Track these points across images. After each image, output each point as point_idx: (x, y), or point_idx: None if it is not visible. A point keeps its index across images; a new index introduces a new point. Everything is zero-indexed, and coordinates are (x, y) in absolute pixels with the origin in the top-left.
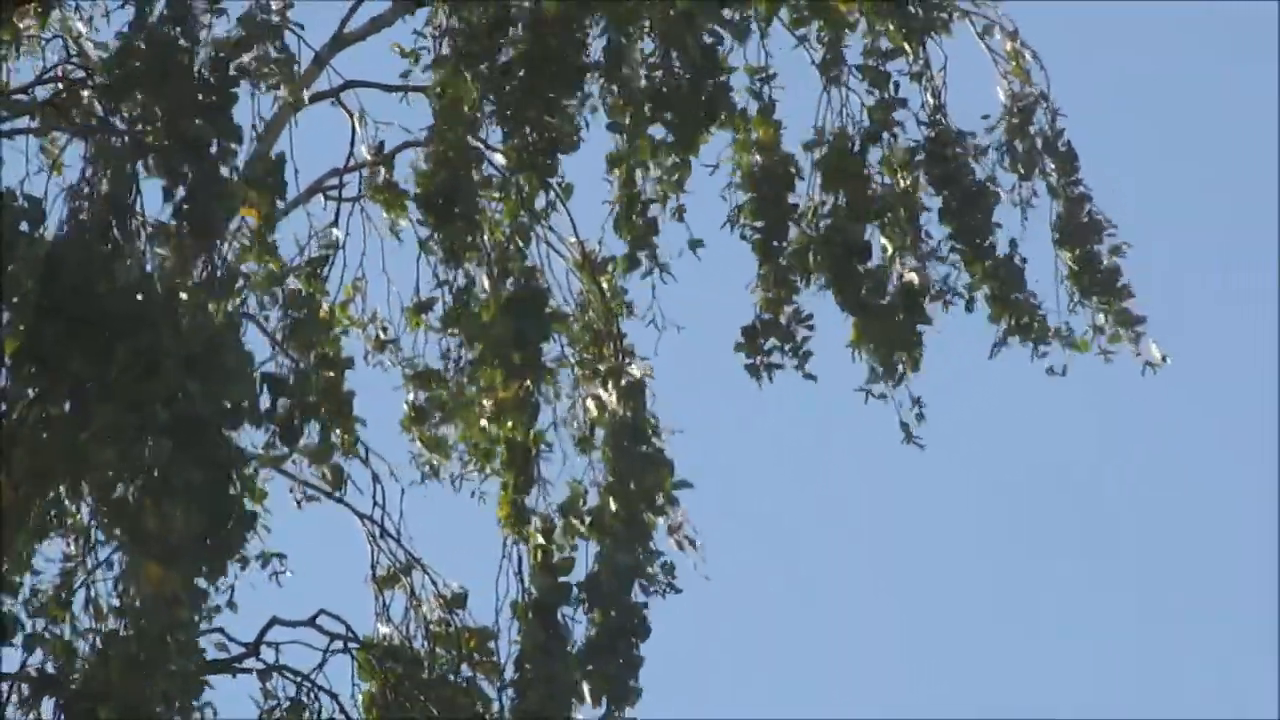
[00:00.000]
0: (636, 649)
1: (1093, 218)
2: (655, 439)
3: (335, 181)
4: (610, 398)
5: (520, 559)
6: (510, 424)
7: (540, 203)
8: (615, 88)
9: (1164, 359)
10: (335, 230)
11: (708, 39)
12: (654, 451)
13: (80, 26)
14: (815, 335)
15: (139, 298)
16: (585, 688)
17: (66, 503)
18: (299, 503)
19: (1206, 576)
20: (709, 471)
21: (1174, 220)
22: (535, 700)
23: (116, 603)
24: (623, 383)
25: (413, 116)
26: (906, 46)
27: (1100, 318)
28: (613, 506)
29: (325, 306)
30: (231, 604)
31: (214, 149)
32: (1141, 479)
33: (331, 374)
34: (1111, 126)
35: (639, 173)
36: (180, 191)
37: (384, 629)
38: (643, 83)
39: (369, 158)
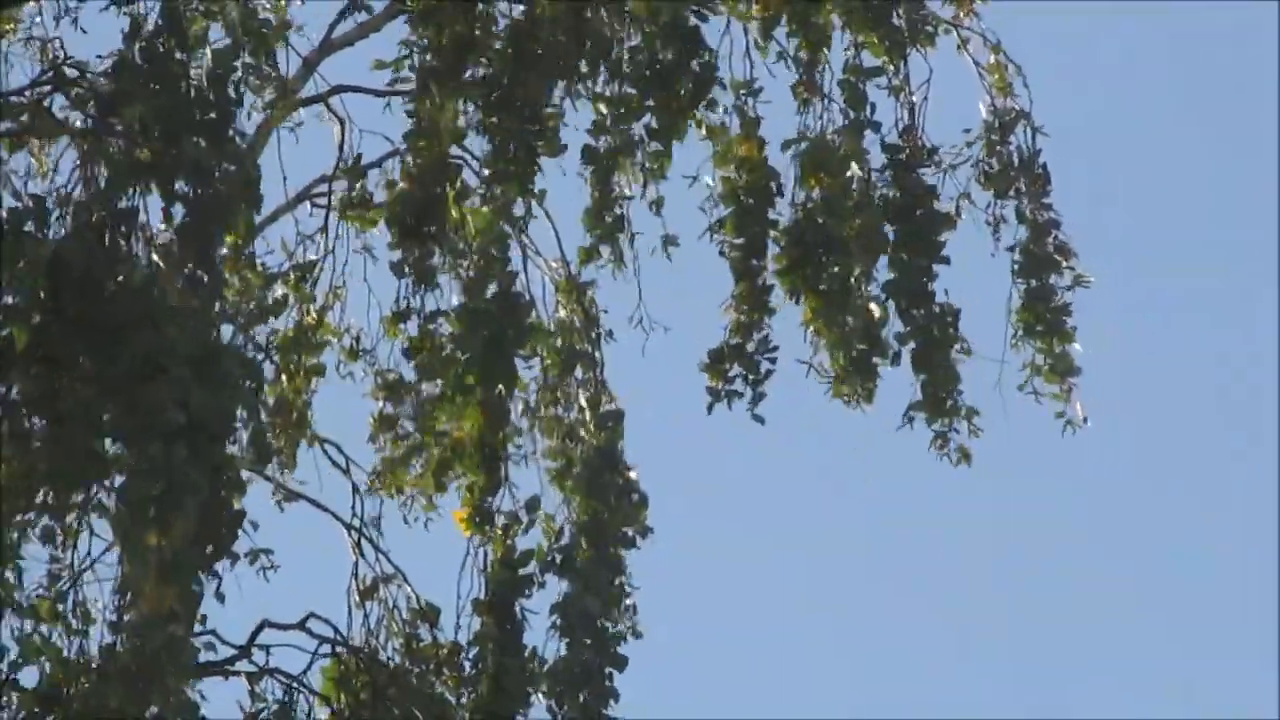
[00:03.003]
0: (611, 679)
1: (1058, 246)
2: (629, 471)
3: (323, 189)
4: (586, 428)
5: (486, 557)
6: (478, 426)
7: (519, 210)
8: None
9: (1085, 420)
10: (322, 238)
11: (692, 20)
12: (629, 483)
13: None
14: (776, 370)
15: (143, 301)
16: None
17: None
18: (280, 504)
19: (1206, 576)
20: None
21: (1159, 241)
22: (487, 693)
23: (113, 616)
24: (600, 410)
25: (399, 123)
26: (888, 61)
27: (1039, 358)
28: (584, 546)
29: (312, 314)
30: (219, 594)
31: (214, 170)
32: (1141, 477)
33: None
34: (1101, 145)
35: (617, 172)
36: (178, 209)
37: (359, 639)
38: (626, 66)
39: (344, 174)
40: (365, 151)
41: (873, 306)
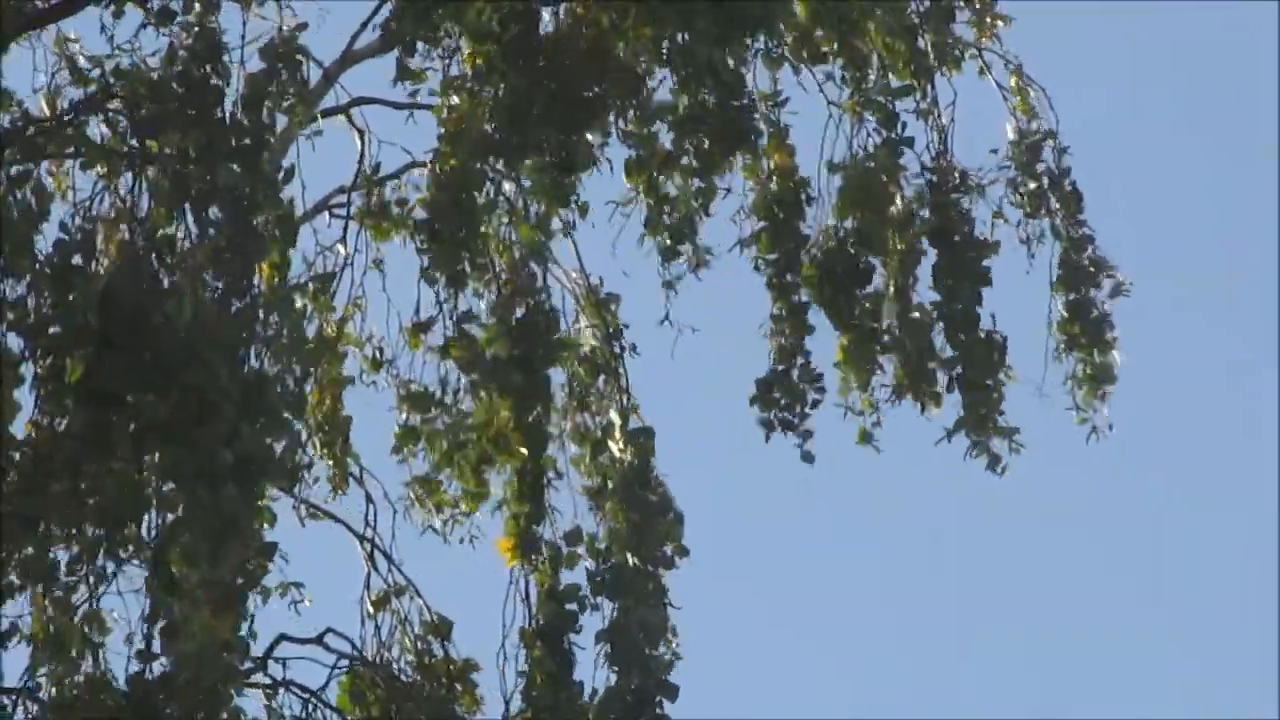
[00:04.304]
0: (662, 707)
1: (1094, 260)
2: (661, 487)
3: (342, 199)
4: (616, 445)
5: (528, 585)
6: (515, 454)
7: (555, 225)
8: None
9: (1110, 427)
10: (341, 248)
11: (732, 63)
12: (663, 499)
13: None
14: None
15: (190, 335)
16: None
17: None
18: (302, 520)
19: (1206, 576)
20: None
21: (1177, 262)
22: None
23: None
24: (629, 427)
25: (420, 135)
26: (916, 84)
27: (1080, 369)
28: (631, 562)
29: (332, 324)
30: (252, 633)
31: (247, 198)
32: (1141, 477)
33: (329, 397)
34: (1121, 165)
35: (662, 178)
36: (211, 235)
37: (372, 651)
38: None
39: (362, 184)
40: (385, 162)
41: (915, 315)
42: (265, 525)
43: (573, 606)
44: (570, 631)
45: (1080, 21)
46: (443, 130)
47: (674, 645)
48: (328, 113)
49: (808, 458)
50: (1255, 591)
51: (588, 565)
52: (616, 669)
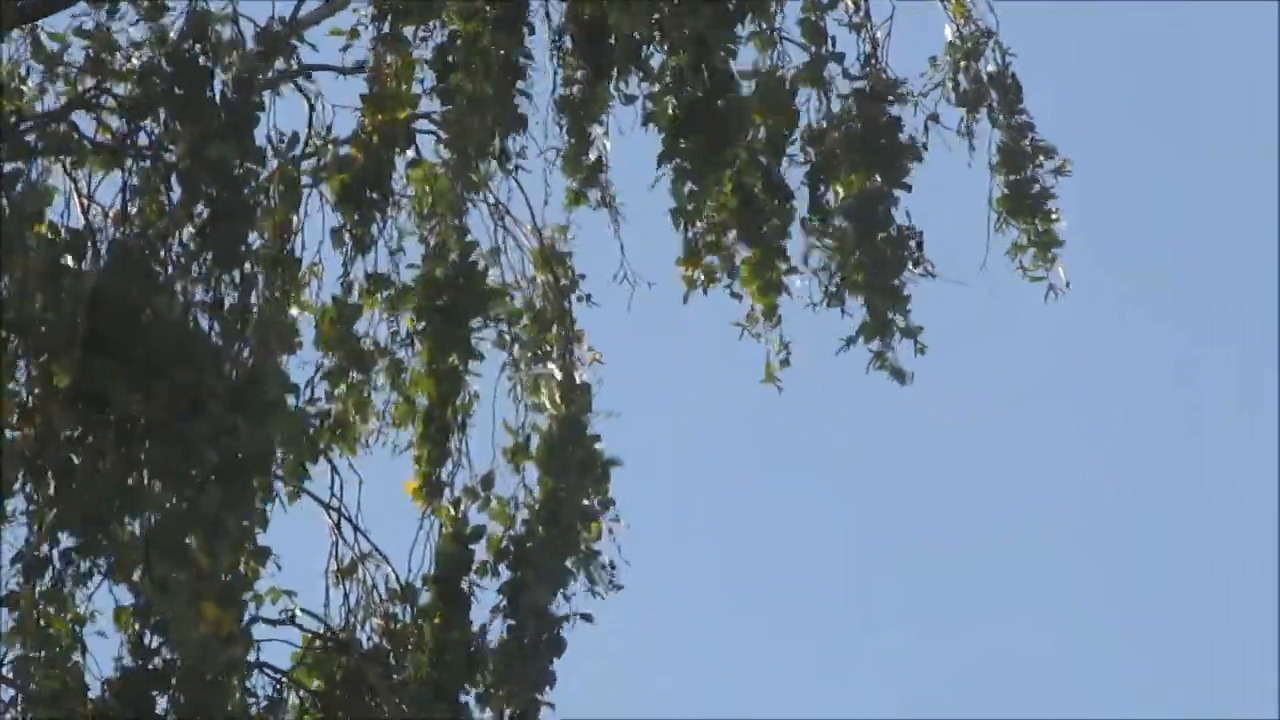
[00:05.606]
0: (550, 663)
1: (1034, 144)
2: (595, 443)
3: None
4: (550, 399)
5: (438, 530)
6: (430, 394)
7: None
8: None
9: (1067, 284)
10: (294, 216)
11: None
12: (593, 454)
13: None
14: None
15: (180, 333)
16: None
17: None
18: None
19: (1206, 576)
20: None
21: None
22: (429, 666)
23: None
24: (568, 380)
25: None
26: None
27: (1023, 237)
28: (540, 530)
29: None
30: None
31: (237, 171)
32: (1141, 474)
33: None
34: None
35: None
36: (202, 211)
37: (338, 620)
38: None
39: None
40: (334, 129)
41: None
42: (260, 529)
43: (475, 548)
44: (466, 572)
45: (1025, 18)
46: (369, 89)
47: (603, 579)
48: (275, 81)
49: (736, 296)
50: (1255, 591)
51: (494, 533)
52: (511, 623)
